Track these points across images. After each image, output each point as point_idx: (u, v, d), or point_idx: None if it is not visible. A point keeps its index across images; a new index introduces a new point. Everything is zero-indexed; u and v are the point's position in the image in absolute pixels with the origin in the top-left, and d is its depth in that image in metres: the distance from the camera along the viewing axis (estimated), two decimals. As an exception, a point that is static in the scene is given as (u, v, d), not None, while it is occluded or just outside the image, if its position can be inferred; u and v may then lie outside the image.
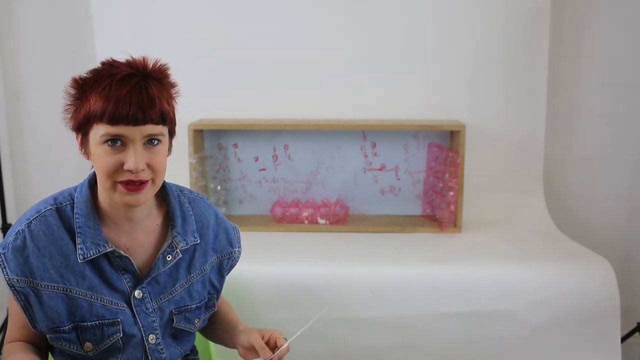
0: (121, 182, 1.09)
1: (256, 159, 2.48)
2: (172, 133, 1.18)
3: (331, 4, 2.37)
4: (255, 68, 2.40)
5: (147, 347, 1.21)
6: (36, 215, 1.15)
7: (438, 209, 2.35)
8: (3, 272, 1.11)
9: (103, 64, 1.11)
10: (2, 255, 1.12)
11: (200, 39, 2.39)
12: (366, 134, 2.44)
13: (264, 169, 2.48)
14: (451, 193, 2.27)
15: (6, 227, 2.37)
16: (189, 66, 2.38)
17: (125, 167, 1.08)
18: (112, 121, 1.06)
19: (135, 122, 1.06)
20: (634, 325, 2.32)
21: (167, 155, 1.17)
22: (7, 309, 2.31)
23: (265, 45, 2.39)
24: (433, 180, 2.39)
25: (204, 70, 2.41)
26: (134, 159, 1.07)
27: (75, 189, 1.20)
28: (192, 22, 2.40)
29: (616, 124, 2.52)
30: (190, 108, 2.36)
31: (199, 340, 1.47)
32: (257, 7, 2.37)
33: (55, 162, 2.56)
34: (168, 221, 1.24)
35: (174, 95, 1.16)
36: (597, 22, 2.44)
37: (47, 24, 2.49)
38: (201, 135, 2.38)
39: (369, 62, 2.40)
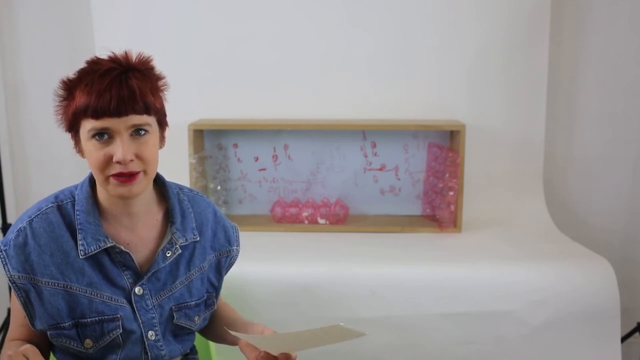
0: (112, 175, 1.10)
1: (256, 159, 2.48)
2: (162, 124, 1.19)
3: (331, 4, 2.37)
4: (255, 68, 2.41)
5: (146, 343, 1.21)
6: (37, 213, 1.16)
7: (438, 209, 2.35)
8: (5, 268, 1.13)
9: (87, 62, 1.13)
10: (3, 252, 1.13)
11: (200, 39, 2.40)
12: (366, 134, 2.44)
13: (264, 169, 2.48)
14: (451, 193, 2.27)
15: (6, 226, 2.37)
16: (189, 66, 2.39)
17: (114, 158, 1.09)
18: (96, 115, 1.07)
19: (118, 113, 1.08)
20: (634, 325, 2.32)
21: (160, 147, 1.19)
22: (9, 309, 2.32)
23: (265, 45, 2.39)
24: (433, 180, 2.39)
25: (204, 70, 2.41)
26: (121, 149, 1.08)
27: (76, 187, 1.22)
28: (192, 23, 2.40)
29: (616, 124, 2.52)
30: (190, 108, 2.37)
31: (199, 340, 1.47)
32: (257, 7, 2.38)
33: (55, 161, 2.56)
34: (168, 218, 1.25)
35: (161, 87, 1.17)
36: (597, 22, 2.45)
37: (47, 24, 2.50)
38: (201, 135, 2.38)
39: (369, 62, 2.40)
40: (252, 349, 1.21)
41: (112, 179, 1.11)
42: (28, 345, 1.07)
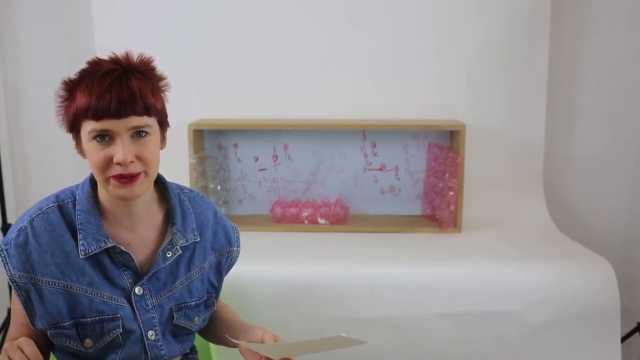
0: (113, 177, 1.10)
1: (256, 159, 2.48)
2: (163, 125, 1.18)
3: (331, 4, 2.37)
4: (255, 68, 2.41)
5: (146, 343, 1.22)
6: (38, 213, 1.16)
7: (438, 209, 2.35)
8: (5, 268, 1.13)
9: (89, 62, 1.13)
10: (4, 252, 1.14)
11: (200, 39, 2.40)
12: (366, 134, 2.44)
13: (264, 169, 2.48)
14: (451, 193, 2.27)
15: (6, 226, 2.37)
16: (189, 66, 2.39)
17: (115, 160, 1.09)
18: (96, 116, 1.07)
19: (118, 115, 1.08)
20: (634, 325, 2.32)
21: (161, 148, 1.19)
22: (9, 309, 2.32)
23: (265, 45, 2.39)
24: (433, 180, 2.39)
25: (204, 70, 2.41)
26: (122, 151, 1.08)
27: (77, 187, 1.22)
28: (192, 23, 2.40)
29: (616, 124, 2.52)
30: (190, 108, 2.37)
31: (199, 340, 1.47)
32: (258, 7, 2.38)
33: (55, 161, 2.56)
34: (169, 218, 1.25)
35: (162, 88, 1.17)
36: (597, 22, 2.44)
37: (47, 24, 2.49)
38: (201, 135, 2.38)
39: (369, 62, 2.40)
40: (253, 353, 1.21)
41: (112, 180, 1.11)
42: (22, 338, 1.08)
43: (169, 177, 1.29)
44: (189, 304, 1.27)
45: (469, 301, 1.90)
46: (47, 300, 1.14)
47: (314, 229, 2.35)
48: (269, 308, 1.90)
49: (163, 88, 1.17)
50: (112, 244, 1.16)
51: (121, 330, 1.18)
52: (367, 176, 2.48)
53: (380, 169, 2.47)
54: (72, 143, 1.17)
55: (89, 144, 1.11)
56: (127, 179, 1.10)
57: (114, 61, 1.12)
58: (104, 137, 1.09)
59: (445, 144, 2.40)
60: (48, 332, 1.16)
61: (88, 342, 1.17)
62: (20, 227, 1.15)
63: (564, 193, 2.59)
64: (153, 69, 1.16)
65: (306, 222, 2.38)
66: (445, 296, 1.90)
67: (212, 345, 1.60)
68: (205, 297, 1.30)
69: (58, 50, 2.51)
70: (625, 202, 2.57)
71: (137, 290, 1.20)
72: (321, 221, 2.37)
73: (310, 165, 2.47)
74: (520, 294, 1.90)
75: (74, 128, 1.13)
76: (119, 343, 1.19)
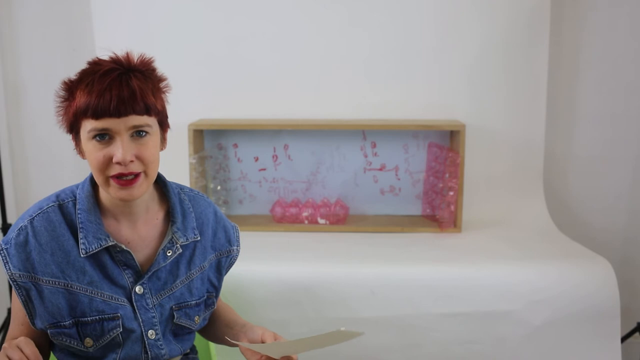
0: (113, 177, 1.11)
1: (256, 159, 2.48)
2: (163, 126, 1.19)
3: (331, 3, 2.37)
4: (255, 68, 2.41)
5: (146, 342, 1.22)
6: (39, 212, 1.17)
7: (438, 209, 2.35)
8: (5, 267, 1.13)
9: (89, 63, 1.13)
10: (5, 251, 1.14)
11: (200, 39, 2.40)
12: (366, 134, 2.44)
13: (264, 169, 2.48)
14: (451, 193, 2.27)
15: (6, 226, 2.37)
16: (189, 66, 2.39)
17: (114, 159, 1.09)
18: (96, 115, 1.07)
19: (118, 113, 1.08)
20: (634, 325, 2.32)
21: (162, 149, 1.19)
22: (9, 309, 2.32)
23: (265, 45, 2.39)
24: (433, 180, 2.39)
25: (204, 70, 2.41)
26: (121, 150, 1.09)
27: (77, 186, 1.22)
28: (192, 22, 2.40)
29: (616, 124, 2.52)
30: (190, 108, 2.37)
31: (199, 339, 1.47)
32: (258, 7, 2.38)
33: (55, 161, 2.56)
34: (169, 217, 1.25)
35: (162, 89, 1.17)
36: (597, 22, 2.44)
37: (47, 24, 2.50)
38: (201, 135, 2.38)
39: (369, 62, 2.40)
40: (253, 353, 1.22)
41: (112, 182, 1.11)
42: (22, 337, 1.08)
43: (169, 177, 1.30)
44: (189, 303, 1.27)
45: (469, 301, 1.90)
46: (47, 300, 1.14)
47: (314, 229, 2.35)
48: (269, 308, 1.90)
49: (164, 89, 1.18)
50: (112, 243, 1.16)
51: (121, 330, 1.18)
52: (367, 176, 2.48)
53: (380, 169, 2.47)
54: (72, 144, 1.17)
55: (88, 144, 1.11)
56: (127, 180, 1.10)
57: (115, 61, 1.12)
58: (103, 136, 1.09)
59: (445, 144, 2.40)
60: (48, 331, 1.16)
61: (88, 341, 1.17)
62: (21, 227, 1.15)
63: (564, 193, 2.59)
64: (154, 70, 1.16)
65: (306, 222, 2.38)
66: (445, 296, 1.90)
67: (212, 345, 1.60)
68: (205, 297, 1.30)
69: (58, 50, 2.51)
70: (625, 202, 2.57)
71: (138, 289, 1.20)
72: (321, 221, 2.37)
73: (310, 165, 2.47)
74: (520, 294, 1.89)
75: (73, 128, 1.13)
76: (119, 342, 1.19)
